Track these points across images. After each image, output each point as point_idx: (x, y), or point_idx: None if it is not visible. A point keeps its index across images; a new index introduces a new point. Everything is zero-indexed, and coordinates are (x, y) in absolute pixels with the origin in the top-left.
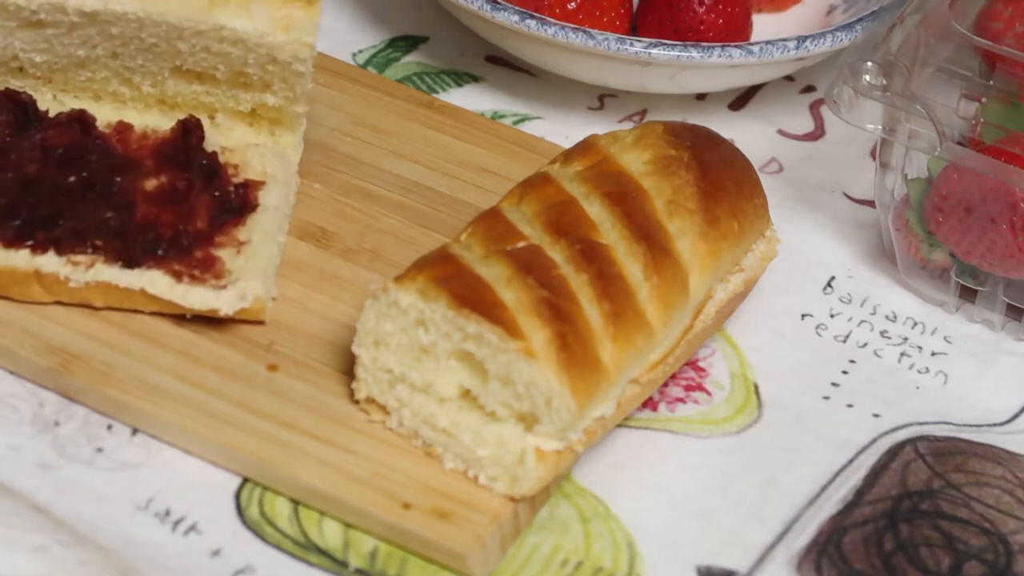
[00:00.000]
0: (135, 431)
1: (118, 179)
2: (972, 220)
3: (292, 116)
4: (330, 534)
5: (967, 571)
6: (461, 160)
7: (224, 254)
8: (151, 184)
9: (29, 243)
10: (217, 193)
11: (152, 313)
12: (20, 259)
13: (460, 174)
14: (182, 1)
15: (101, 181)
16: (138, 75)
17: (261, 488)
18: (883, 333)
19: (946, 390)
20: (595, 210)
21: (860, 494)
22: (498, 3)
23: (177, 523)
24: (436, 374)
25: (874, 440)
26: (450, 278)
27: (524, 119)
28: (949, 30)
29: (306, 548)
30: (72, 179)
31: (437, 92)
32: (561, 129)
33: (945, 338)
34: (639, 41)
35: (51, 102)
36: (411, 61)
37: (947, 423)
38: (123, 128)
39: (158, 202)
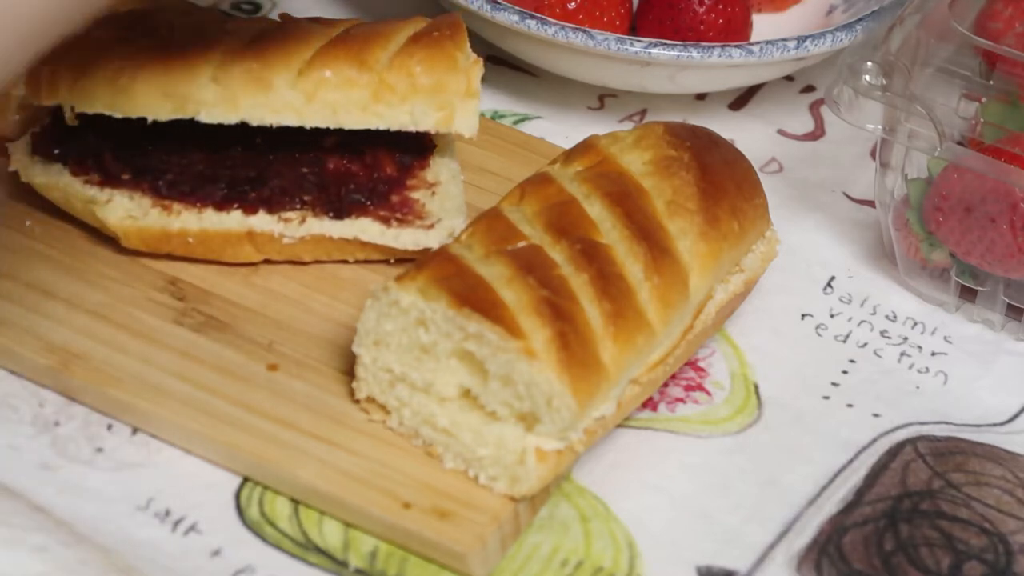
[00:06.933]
0: (135, 431)
1: (298, 138)
2: (972, 220)
3: None
4: (330, 534)
5: (967, 571)
6: (461, 160)
7: (419, 196)
8: (327, 140)
9: (239, 205)
10: (392, 139)
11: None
12: (233, 221)
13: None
14: (345, 95)
15: (285, 141)
16: None
17: (261, 488)
18: (883, 333)
19: (946, 390)
20: (596, 210)
21: (860, 494)
22: (498, 3)
23: (177, 523)
24: (436, 374)
25: (874, 440)
26: (451, 278)
27: (524, 119)
28: (949, 30)
29: (306, 548)
30: (258, 140)
31: None
32: (561, 129)
33: (945, 338)
34: (639, 41)
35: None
36: None
37: (947, 423)
38: None
39: (341, 155)
